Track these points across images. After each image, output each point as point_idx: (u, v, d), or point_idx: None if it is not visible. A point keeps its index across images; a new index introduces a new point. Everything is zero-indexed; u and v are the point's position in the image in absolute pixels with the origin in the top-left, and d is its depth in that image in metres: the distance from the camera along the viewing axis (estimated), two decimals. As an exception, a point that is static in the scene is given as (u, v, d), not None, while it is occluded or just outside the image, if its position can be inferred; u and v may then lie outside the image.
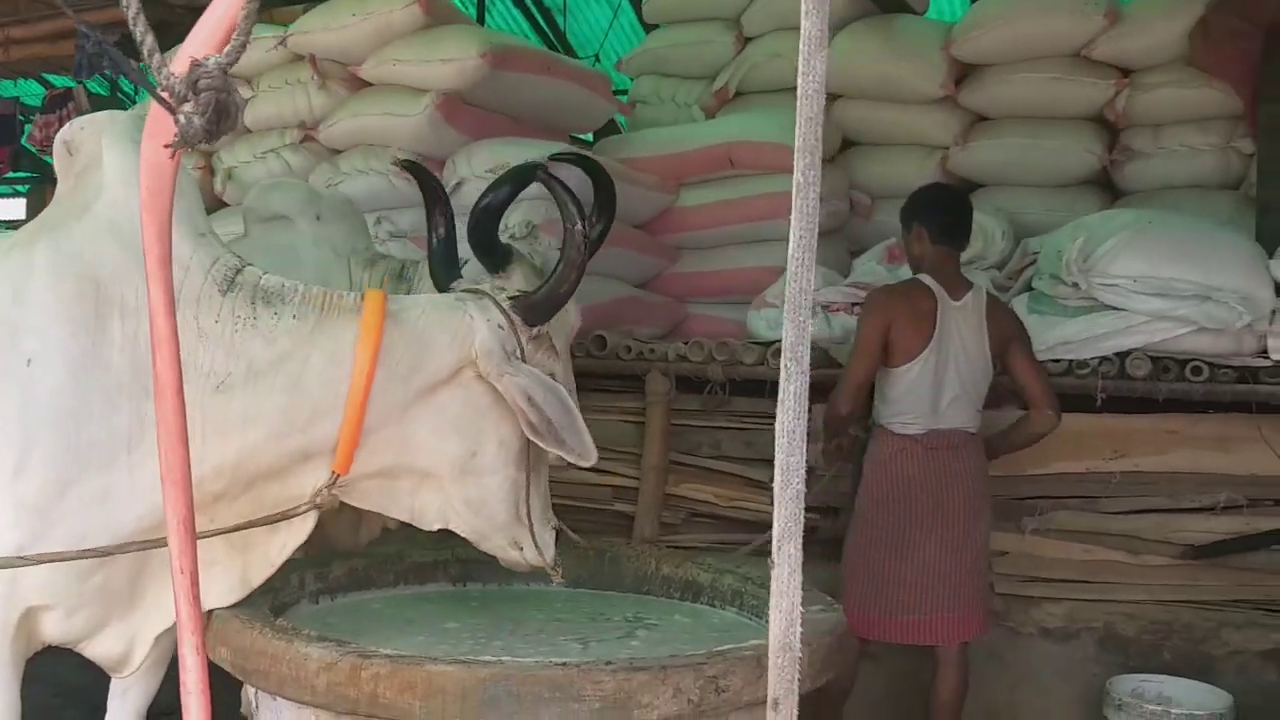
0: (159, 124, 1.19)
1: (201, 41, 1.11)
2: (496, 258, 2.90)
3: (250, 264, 2.49)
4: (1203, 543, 3.85)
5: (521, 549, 2.65)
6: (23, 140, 8.54)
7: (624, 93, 6.54)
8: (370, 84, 4.95)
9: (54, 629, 2.49)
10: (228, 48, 1.07)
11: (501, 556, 2.69)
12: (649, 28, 6.75)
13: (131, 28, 1.06)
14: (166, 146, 1.10)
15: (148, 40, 1.07)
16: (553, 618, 2.83)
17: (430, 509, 2.58)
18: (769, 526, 4.21)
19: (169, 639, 2.47)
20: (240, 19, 1.05)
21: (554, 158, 3.34)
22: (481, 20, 8.85)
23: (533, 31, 9.91)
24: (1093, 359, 3.91)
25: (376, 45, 4.83)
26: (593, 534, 4.21)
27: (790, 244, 1.33)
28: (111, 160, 2.42)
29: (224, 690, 2.38)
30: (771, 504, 4.19)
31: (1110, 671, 3.73)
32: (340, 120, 4.92)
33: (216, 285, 2.38)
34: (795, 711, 1.34)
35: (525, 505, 2.61)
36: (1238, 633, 3.76)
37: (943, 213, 3.78)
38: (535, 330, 2.56)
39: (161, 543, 1.80)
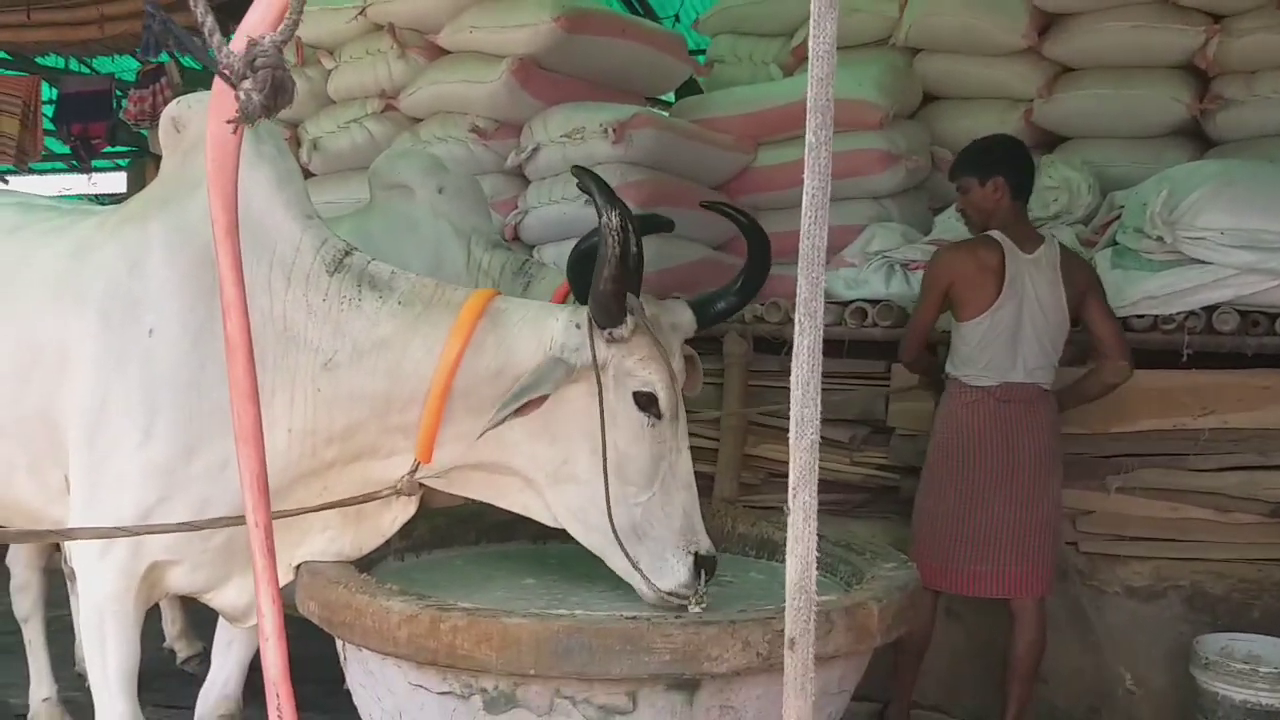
0: (221, 101, 1.25)
1: (257, 21, 1.16)
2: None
3: (357, 249, 2.57)
4: (1296, 500, 3.79)
5: (641, 571, 2.48)
6: (118, 115, 8.77)
7: (701, 53, 6.52)
8: (448, 52, 5.02)
9: (179, 582, 2.66)
10: (281, 26, 1.12)
11: (627, 579, 2.53)
12: (727, -13, 6.71)
13: (193, 8, 1.12)
14: (229, 122, 1.16)
15: (208, 21, 1.13)
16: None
17: (537, 509, 2.57)
18: (848, 486, 4.28)
19: (283, 594, 2.59)
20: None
21: (705, 205, 3.37)
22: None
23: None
24: (1178, 314, 3.86)
25: (453, 13, 4.89)
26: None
27: (804, 201, 1.35)
28: None
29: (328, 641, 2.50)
30: (850, 463, 4.24)
31: (1197, 630, 3.70)
32: (420, 88, 5.00)
33: (325, 266, 2.49)
34: (811, 651, 1.38)
35: (639, 522, 2.46)
36: (1330, 590, 3.71)
37: (1023, 165, 3.75)
38: (610, 332, 2.40)
39: (240, 520, 1.87)
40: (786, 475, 4.71)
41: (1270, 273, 3.71)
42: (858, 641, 2.31)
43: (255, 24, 1.15)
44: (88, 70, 9.21)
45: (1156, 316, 3.88)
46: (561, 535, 3.16)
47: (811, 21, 1.31)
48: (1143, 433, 3.98)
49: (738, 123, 5.19)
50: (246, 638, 2.93)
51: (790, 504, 1.44)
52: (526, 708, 2.20)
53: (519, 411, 2.34)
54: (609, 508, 2.43)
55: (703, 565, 2.47)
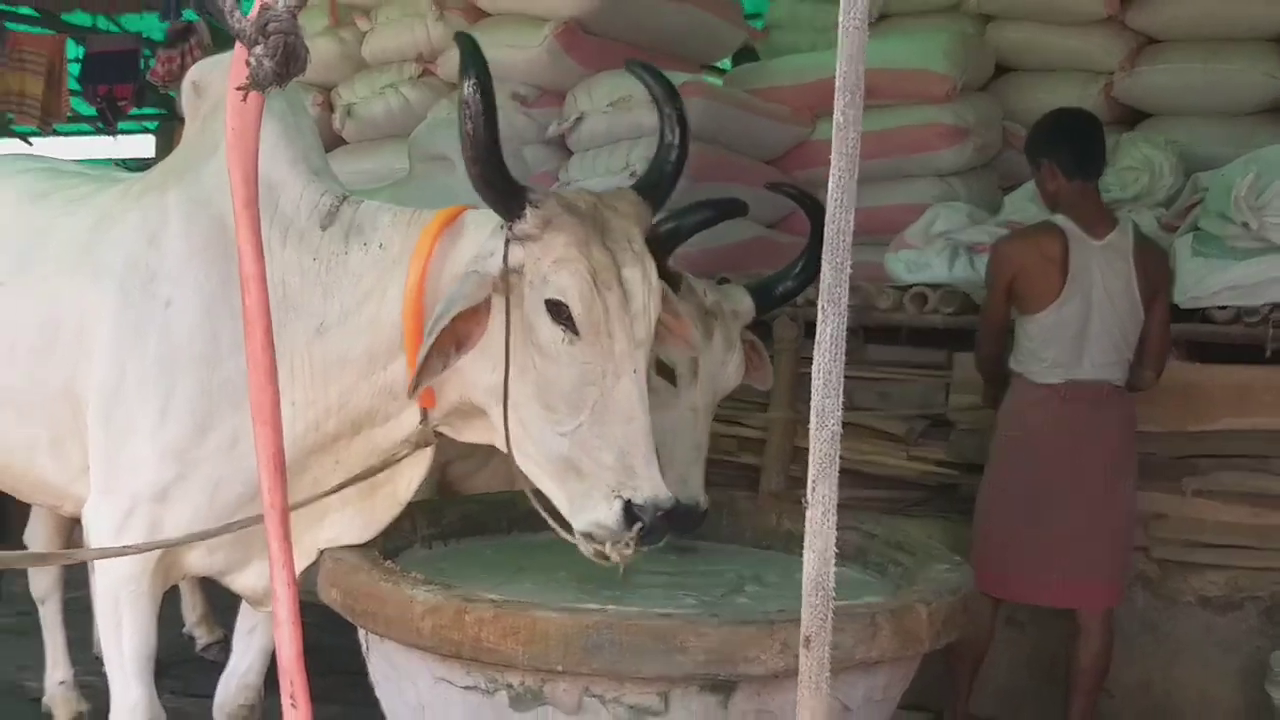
0: (241, 66, 1.28)
1: (279, -15, 1.19)
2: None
3: (358, 198, 2.55)
4: (1384, 507, 3.74)
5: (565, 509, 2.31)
6: (144, 75, 8.87)
7: (759, 17, 6.51)
8: (489, 14, 5.04)
9: (197, 564, 2.73)
10: (296, -10, 1.16)
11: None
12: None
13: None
14: (238, 89, 1.19)
15: (224, -16, 1.17)
16: (664, 571, 2.91)
17: (502, 445, 2.39)
18: (904, 482, 4.28)
19: (306, 579, 2.63)
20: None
21: (770, 187, 3.40)
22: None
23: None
24: (1263, 305, 3.81)
25: (495, -28, 4.93)
26: (717, 486, 4.31)
27: (830, 183, 1.36)
28: None
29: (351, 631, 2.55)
30: (906, 458, 4.24)
31: (1275, 645, 3.67)
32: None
33: (318, 221, 2.48)
34: (828, 650, 1.40)
35: (569, 455, 2.27)
36: None
37: (1072, 141, 3.71)
38: (511, 228, 2.24)
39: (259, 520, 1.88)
40: (841, 469, 4.71)
41: (1365, 262, 3.67)
42: (904, 646, 2.31)
43: (277, -12, 1.19)
44: (115, 29, 9.32)
45: (1240, 308, 3.83)
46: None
47: (842, -3, 1.33)
48: (1221, 432, 3.94)
49: (794, 93, 5.19)
50: (269, 624, 2.98)
51: (809, 497, 1.46)
52: (554, 705, 2.22)
53: (456, 341, 2.25)
54: (506, 432, 2.29)
55: (637, 514, 2.24)
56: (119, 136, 10.18)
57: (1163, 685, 3.96)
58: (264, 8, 1.15)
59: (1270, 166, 3.83)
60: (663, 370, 2.96)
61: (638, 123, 4.62)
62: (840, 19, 1.35)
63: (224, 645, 4.41)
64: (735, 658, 2.14)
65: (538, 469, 2.34)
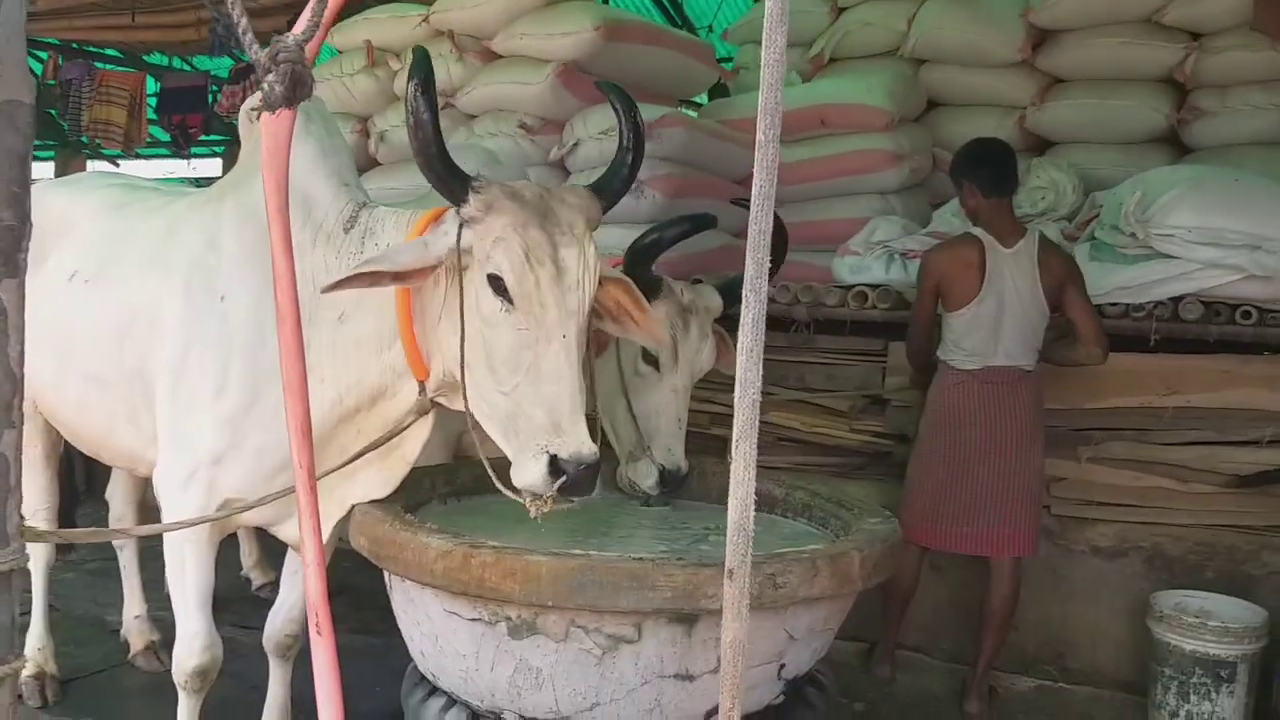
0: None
1: (300, 27, 1.20)
2: (645, 287, 2.75)
3: (374, 205, 2.53)
4: (1248, 473, 3.75)
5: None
6: (212, 107, 8.87)
7: (730, 60, 6.50)
8: (500, 56, 5.03)
9: (249, 517, 2.72)
10: (304, 27, 1.16)
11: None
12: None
13: (229, 10, 1.15)
14: (252, 109, 1.19)
15: (242, 22, 1.17)
16: (640, 523, 2.92)
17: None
18: (848, 450, 4.28)
19: (341, 530, 2.64)
20: (315, 3, 1.13)
21: (734, 202, 3.39)
22: (605, -2, 8.85)
23: (654, 6, 9.87)
24: (1148, 303, 3.82)
25: (506, 21, 4.89)
26: (693, 454, 4.31)
27: (753, 192, 1.37)
28: None
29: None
30: (849, 430, 4.23)
31: (1155, 588, 3.69)
32: (475, 88, 5.01)
33: (341, 225, 2.48)
34: (748, 582, 1.41)
35: (513, 414, 2.21)
36: (1276, 555, 3.67)
37: (989, 165, 3.70)
38: (459, 212, 2.22)
39: (291, 491, 1.87)
40: (794, 439, 4.75)
41: (1232, 268, 3.66)
42: (840, 586, 2.32)
43: (297, 27, 1.19)
44: (188, 68, 9.31)
45: (1128, 305, 3.84)
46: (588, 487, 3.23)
47: (764, 34, 1.33)
48: (1113, 409, 3.95)
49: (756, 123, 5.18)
50: None
51: (733, 453, 1.47)
52: (545, 634, 2.23)
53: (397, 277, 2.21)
54: (465, 393, 2.25)
55: (561, 468, 2.16)
56: (191, 159, 10.17)
57: (1060, 621, 3.98)
58: (276, 40, 1.15)
59: (1154, 186, 3.82)
60: (649, 358, 2.98)
61: (624, 148, 4.62)
62: (763, 53, 1.35)
63: (274, 586, 4.42)
64: (696, 594, 2.14)
65: (490, 425, 2.29)
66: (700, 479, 3.20)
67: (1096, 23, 4.82)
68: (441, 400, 2.46)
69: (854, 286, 4.44)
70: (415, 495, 2.82)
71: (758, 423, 1.44)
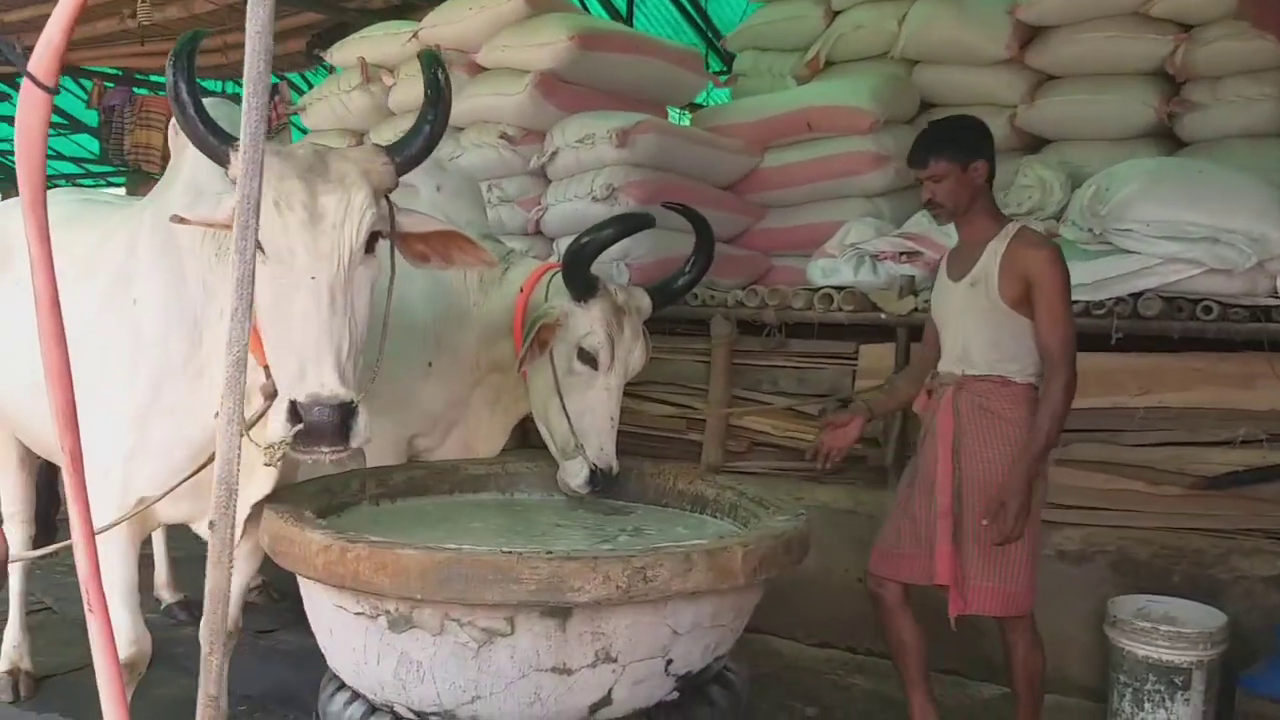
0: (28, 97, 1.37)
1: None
2: (582, 288, 2.97)
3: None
4: (1216, 474, 3.65)
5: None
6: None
7: (725, 72, 6.54)
8: (486, 69, 5.14)
9: (166, 514, 2.82)
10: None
11: None
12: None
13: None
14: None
15: None
16: (559, 523, 2.95)
17: None
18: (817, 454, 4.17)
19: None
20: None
21: (665, 205, 3.42)
22: (630, 13, 8.93)
23: (682, 18, 9.92)
24: (1108, 299, 3.75)
25: (488, 34, 5.01)
26: (669, 459, 4.34)
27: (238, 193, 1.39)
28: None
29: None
30: (819, 434, 4.18)
31: (1121, 592, 3.59)
32: (461, 101, 5.12)
33: None
34: (230, 531, 1.51)
35: (278, 366, 2.22)
36: (1245, 559, 3.56)
37: (990, 140, 3.16)
38: (230, 173, 2.26)
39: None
40: (767, 444, 4.72)
41: (1192, 262, 3.58)
42: (719, 580, 2.31)
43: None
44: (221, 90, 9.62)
45: (1088, 302, 3.77)
46: (527, 488, 3.28)
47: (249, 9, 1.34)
48: (1084, 410, 3.86)
49: (748, 129, 5.22)
50: (242, 563, 3.07)
51: (220, 409, 1.56)
52: (422, 628, 2.27)
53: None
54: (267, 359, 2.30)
55: (300, 413, 2.13)
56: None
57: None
58: None
59: (1116, 180, 3.75)
60: (585, 357, 3.03)
61: (599, 156, 4.69)
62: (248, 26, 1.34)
63: (184, 604, 4.50)
64: (563, 587, 2.16)
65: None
66: (638, 480, 3.20)
67: (1084, 17, 4.76)
68: None
69: (820, 288, 4.43)
70: (342, 496, 2.89)
71: (244, 381, 1.47)
